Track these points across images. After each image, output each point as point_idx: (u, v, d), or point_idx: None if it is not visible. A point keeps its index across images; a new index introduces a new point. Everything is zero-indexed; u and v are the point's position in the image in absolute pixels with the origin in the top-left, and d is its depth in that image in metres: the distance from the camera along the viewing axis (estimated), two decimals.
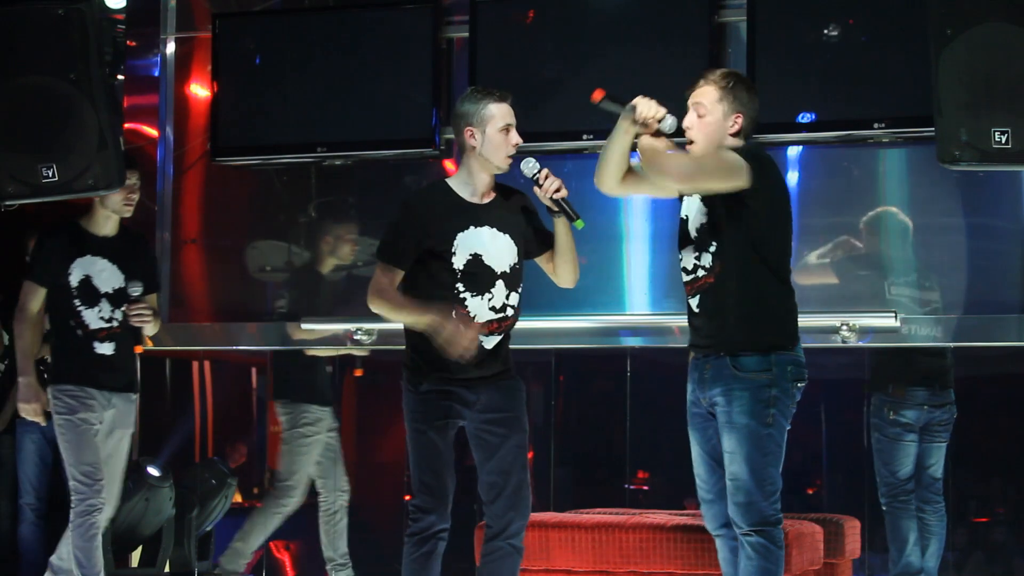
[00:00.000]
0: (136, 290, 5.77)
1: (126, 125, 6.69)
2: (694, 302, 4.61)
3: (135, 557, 7.35)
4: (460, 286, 4.72)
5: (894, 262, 5.97)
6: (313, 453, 6.94)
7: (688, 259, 4.61)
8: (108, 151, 5.87)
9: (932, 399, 6.51)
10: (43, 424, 5.89)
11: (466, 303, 4.74)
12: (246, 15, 6.79)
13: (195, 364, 9.28)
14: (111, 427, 5.83)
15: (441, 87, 6.36)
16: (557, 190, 4.68)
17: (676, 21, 6.07)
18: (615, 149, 4.62)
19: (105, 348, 5.80)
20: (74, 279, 5.78)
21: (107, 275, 5.82)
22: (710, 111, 4.56)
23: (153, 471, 6.98)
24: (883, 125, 5.80)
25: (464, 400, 4.77)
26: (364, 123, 6.40)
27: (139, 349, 5.93)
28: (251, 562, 7.24)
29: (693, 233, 4.59)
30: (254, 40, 6.64)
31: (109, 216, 5.85)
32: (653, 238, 6.17)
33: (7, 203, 6.02)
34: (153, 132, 6.81)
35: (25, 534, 7.21)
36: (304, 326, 6.47)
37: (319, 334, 6.56)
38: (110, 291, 5.82)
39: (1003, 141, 5.07)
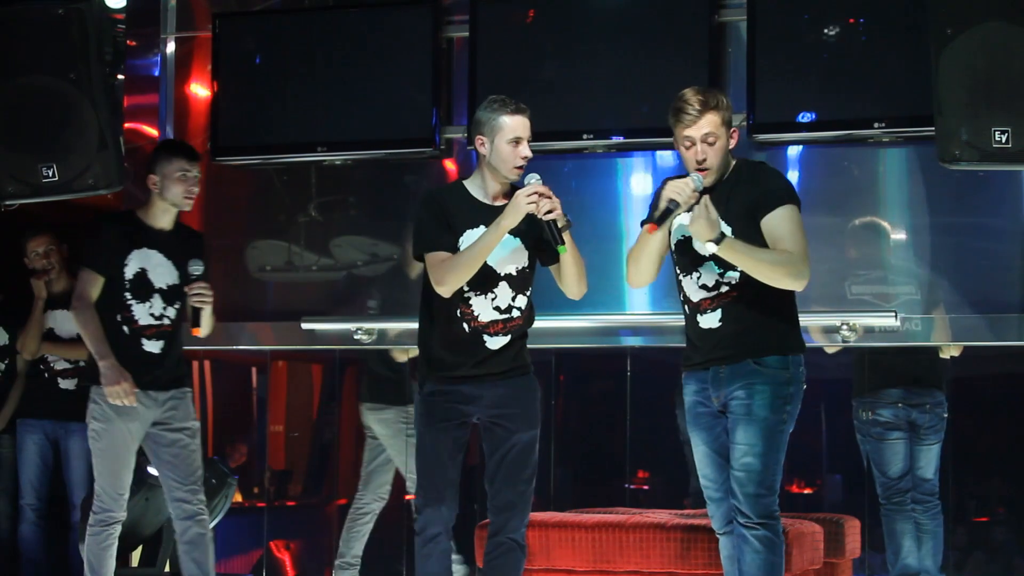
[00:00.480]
0: (197, 269, 5.55)
1: (126, 125, 6.68)
2: (714, 316, 4.64)
3: (135, 557, 7.34)
4: (464, 284, 4.76)
5: (892, 262, 5.97)
6: None
7: (710, 277, 4.64)
8: (108, 151, 5.87)
9: (908, 398, 6.52)
10: (134, 404, 5.48)
11: (470, 301, 4.80)
12: (246, 15, 6.78)
13: (195, 364, 9.28)
14: (170, 424, 5.60)
15: (441, 87, 6.35)
16: (548, 212, 4.67)
17: (676, 21, 6.06)
18: (655, 247, 4.67)
19: (152, 346, 5.57)
20: (129, 271, 5.55)
21: (162, 270, 5.60)
22: (719, 136, 4.62)
23: (153, 471, 6.97)
24: (883, 125, 5.79)
25: (466, 397, 4.81)
26: (364, 123, 6.40)
27: (196, 332, 5.60)
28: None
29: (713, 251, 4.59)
30: (254, 40, 6.64)
31: (167, 209, 5.61)
32: None
33: (7, 203, 6.01)
34: (153, 132, 6.80)
35: (25, 534, 7.22)
36: (304, 326, 6.47)
37: (320, 333, 6.55)
38: (164, 287, 5.59)
39: (1003, 141, 5.07)
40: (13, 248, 7.30)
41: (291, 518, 7.99)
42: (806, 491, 8.02)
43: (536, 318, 4.99)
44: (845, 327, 5.86)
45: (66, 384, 7.22)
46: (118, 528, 5.61)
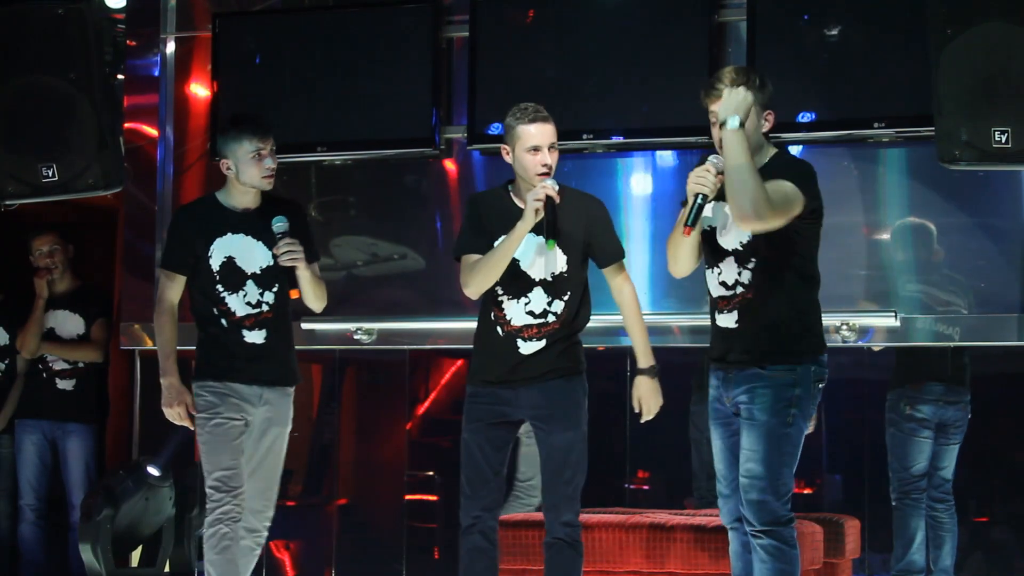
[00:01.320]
0: (280, 225, 5.10)
1: (126, 125, 6.68)
2: (731, 318, 4.56)
3: (135, 557, 7.35)
4: (498, 288, 4.83)
5: (895, 261, 5.97)
6: None
7: (729, 274, 4.55)
8: (108, 151, 5.88)
9: (948, 395, 6.55)
10: (191, 427, 5.18)
11: (502, 305, 4.85)
12: (246, 15, 6.79)
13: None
14: (265, 426, 5.21)
15: (441, 87, 6.36)
16: (537, 211, 4.68)
17: (676, 21, 6.07)
18: (689, 241, 4.55)
19: (254, 336, 5.16)
20: (215, 262, 5.14)
21: (252, 254, 5.17)
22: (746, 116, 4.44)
23: (153, 471, 6.98)
24: (883, 125, 5.80)
25: (503, 400, 4.89)
26: (364, 123, 6.40)
27: (294, 294, 5.15)
28: None
29: (735, 246, 4.52)
30: (254, 40, 6.65)
31: (247, 191, 5.21)
32: (653, 238, 6.16)
33: (7, 203, 6.02)
34: (153, 132, 6.80)
35: (25, 534, 7.22)
36: (304, 326, 6.46)
37: (320, 333, 6.55)
38: (257, 271, 5.16)
39: (1003, 141, 5.07)
40: (13, 247, 7.30)
41: (291, 518, 7.96)
42: (806, 491, 8.01)
43: None
44: (845, 327, 5.86)
45: (64, 384, 7.21)
46: (232, 528, 5.13)
